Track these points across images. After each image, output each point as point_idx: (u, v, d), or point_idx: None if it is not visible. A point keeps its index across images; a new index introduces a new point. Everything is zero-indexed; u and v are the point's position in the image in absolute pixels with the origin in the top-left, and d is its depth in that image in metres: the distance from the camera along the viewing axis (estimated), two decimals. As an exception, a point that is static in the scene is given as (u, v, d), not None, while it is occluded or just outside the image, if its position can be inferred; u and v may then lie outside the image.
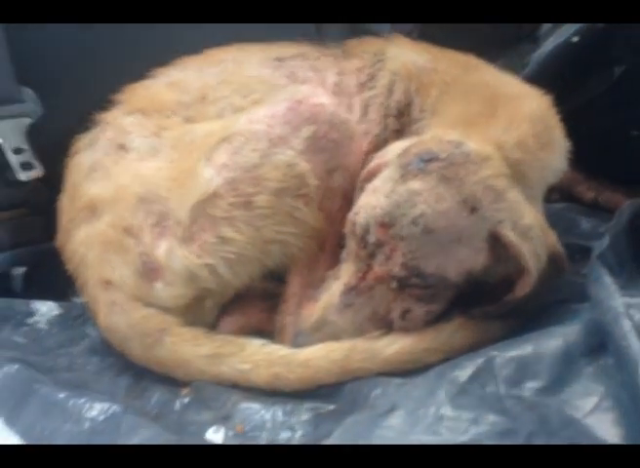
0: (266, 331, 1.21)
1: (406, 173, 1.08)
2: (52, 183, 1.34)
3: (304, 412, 1.04)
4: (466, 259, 1.07)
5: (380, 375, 1.06)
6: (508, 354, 0.99)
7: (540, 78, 1.41)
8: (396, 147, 1.17)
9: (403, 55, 1.39)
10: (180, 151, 1.23)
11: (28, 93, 1.42)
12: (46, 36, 1.43)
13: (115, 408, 1.04)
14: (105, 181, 1.23)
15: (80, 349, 1.26)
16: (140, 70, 1.39)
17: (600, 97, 1.50)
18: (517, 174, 1.14)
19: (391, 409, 0.96)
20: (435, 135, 1.15)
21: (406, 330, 1.10)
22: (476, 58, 1.39)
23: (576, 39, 1.48)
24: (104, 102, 1.34)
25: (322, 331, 1.11)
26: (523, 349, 1.00)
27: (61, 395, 1.06)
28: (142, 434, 0.99)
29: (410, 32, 1.69)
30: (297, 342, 1.13)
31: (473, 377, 0.97)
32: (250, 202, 1.17)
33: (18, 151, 1.38)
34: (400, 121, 1.34)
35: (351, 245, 1.14)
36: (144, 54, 1.45)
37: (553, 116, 1.28)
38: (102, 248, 1.20)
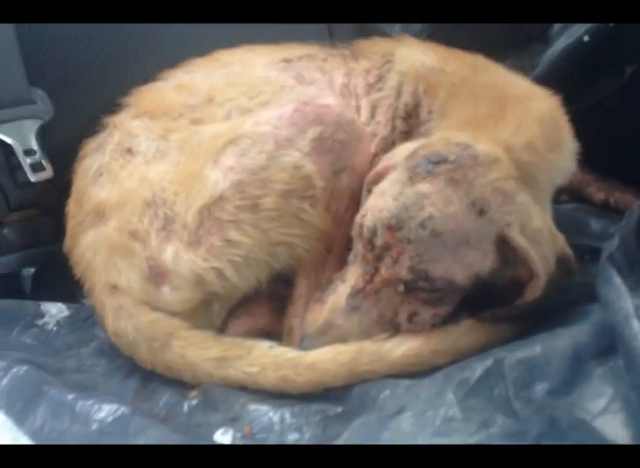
0: (274, 334, 1.21)
1: (414, 175, 1.08)
2: (62, 185, 1.34)
3: (312, 415, 1.04)
4: (474, 263, 1.06)
5: (388, 377, 1.06)
6: (517, 356, 0.98)
7: (550, 78, 1.40)
8: (404, 149, 1.17)
9: (411, 56, 1.38)
10: (187, 154, 1.23)
11: (39, 94, 1.42)
12: (57, 38, 1.44)
13: (123, 409, 1.04)
14: (112, 185, 1.24)
15: (89, 351, 1.27)
16: (149, 72, 1.40)
17: (611, 98, 1.49)
18: (526, 176, 1.13)
19: (400, 411, 0.96)
20: (443, 136, 1.15)
21: (413, 333, 1.10)
22: (485, 59, 1.38)
23: (587, 39, 1.47)
24: (115, 105, 1.35)
25: (328, 335, 1.11)
26: (532, 351, 0.99)
27: (70, 396, 1.06)
28: (151, 435, 0.99)
29: (419, 32, 1.68)
30: (303, 346, 1.12)
31: (482, 379, 0.97)
32: (256, 204, 1.17)
33: (28, 153, 1.39)
34: (408, 122, 1.33)
35: (358, 247, 1.13)
36: (155, 56, 1.46)
37: (562, 117, 1.27)
38: (109, 252, 1.20)
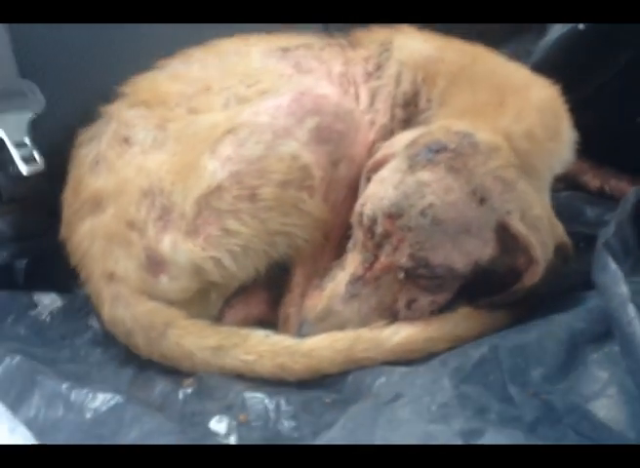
0: (270, 323, 1.21)
1: (414, 163, 1.08)
2: (54, 177, 1.33)
3: (308, 402, 1.04)
4: (474, 250, 1.07)
5: (383, 365, 1.06)
6: (513, 342, 0.99)
7: (546, 67, 1.40)
8: (404, 138, 1.17)
9: (410, 44, 1.38)
10: (184, 144, 1.23)
11: (31, 86, 1.41)
12: (48, 29, 1.43)
13: (118, 398, 1.04)
14: (109, 174, 1.23)
15: (83, 341, 1.26)
16: (144, 62, 1.39)
17: (606, 86, 1.49)
18: (525, 164, 1.13)
19: (395, 398, 0.96)
20: (443, 125, 1.15)
21: (411, 319, 1.10)
22: (483, 48, 1.38)
23: (582, 27, 1.47)
24: (108, 95, 1.34)
25: (327, 321, 1.11)
26: (528, 337, 1.00)
27: (64, 386, 1.06)
28: (146, 424, 0.99)
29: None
30: (301, 332, 1.13)
31: (478, 365, 0.97)
32: (254, 194, 1.17)
33: (20, 145, 1.38)
34: (407, 111, 1.33)
35: (358, 235, 1.13)
36: (148, 46, 1.44)
37: (561, 106, 1.28)
38: (106, 241, 1.19)
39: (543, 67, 1.37)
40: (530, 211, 1.08)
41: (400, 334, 1.08)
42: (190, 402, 1.08)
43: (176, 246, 1.16)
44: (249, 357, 1.11)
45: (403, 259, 1.06)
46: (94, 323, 1.27)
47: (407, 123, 1.32)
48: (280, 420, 1.01)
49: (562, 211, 1.21)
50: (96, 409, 1.02)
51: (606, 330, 0.95)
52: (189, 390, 1.10)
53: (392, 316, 1.11)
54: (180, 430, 0.99)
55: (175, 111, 1.28)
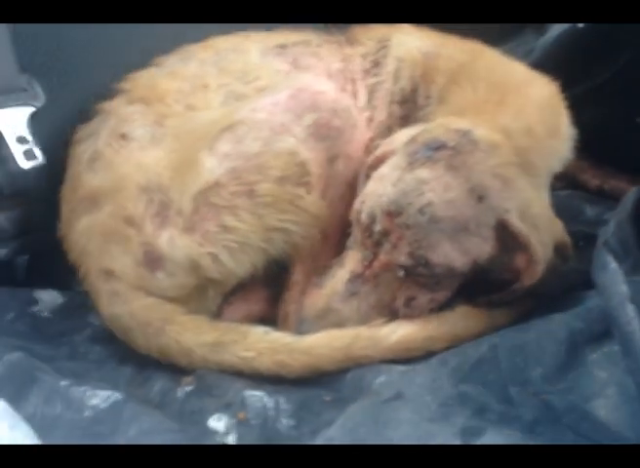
0: (269, 320, 1.21)
1: (413, 161, 1.08)
2: (54, 172, 1.33)
3: (307, 400, 1.04)
4: (473, 248, 1.07)
5: (383, 363, 1.06)
6: (512, 341, 0.99)
7: (545, 65, 1.39)
8: (403, 135, 1.17)
9: (408, 41, 1.38)
10: (182, 140, 1.23)
11: (30, 81, 1.41)
12: (49, 24, 1.42)
13: (117, 396, 1.04)
14: (106, 171, 1.23)
15: (82, 338, 1.26)
16: (144, 59, 1.39)
17: (606, 85, 1.49)
18: (525, 162, 1.13)
19: (395, 397, 0.96)
20: (443, 122, 1.15)
21: (410, 317, 1.10)
22: (482, 45, 1.38)
23: (581, 25, 1.46)
24: (108, 91, 1.34)
25: (326, 319, 1.11)
26: (527, 336, 1.00)
27: (63, 383, 1.06)
28: (144, 422, 0.99)
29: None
30: (301, 330, 1.13)
31: (477, 365, 0.97)
32: (252, 190, 1.17)
33: (20, 140, 1.37)
34: (404, 108, 1.33)
35: (357, 233, 1.13)
36: (149, 42, 1.44)
37: (560, 103, 1.27)
38: (103, 238, 1.19)
39: (543, 65, 1.37)
40: (529, 209, 1.08)
41: (398, 333, 1.08)
42: (189, 400, 1.08)
43: (173, 242, 1.16)
44: (248, 354, 1.11)
45: (402, 257, 1.06)
46: (93, 320, 1.27)
47: (405, 120, 1.32)
48: (279, 419, 1.01)
49: (561, 210, 1.21)
50: (95, 406, 1.03)
51: (605, 329, 0.95)
52: (188, 388, 1.10)
53: (391, 314, 1.11)
54: (178, 428, 0.99)
55: (172, 108, 1.28)
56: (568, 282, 1.15)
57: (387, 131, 1.29)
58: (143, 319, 1.16)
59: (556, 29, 1.51)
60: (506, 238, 1.07)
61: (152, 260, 1.17)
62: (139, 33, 1.43)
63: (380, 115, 1.33)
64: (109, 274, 1.19)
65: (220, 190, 1.17)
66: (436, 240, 1.05)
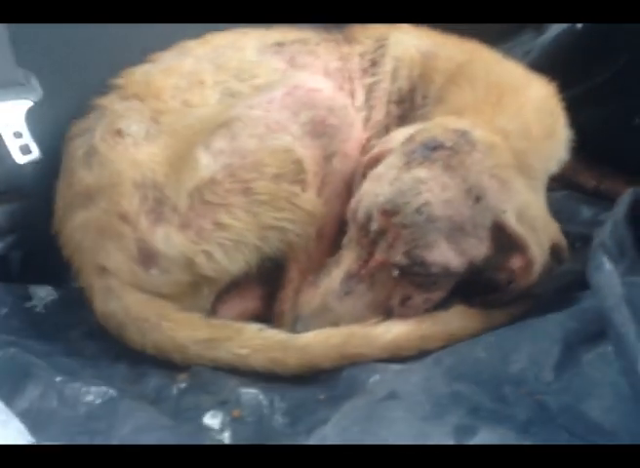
0: (263, 318, 1.21)
1: (411, 160, 1.08)
2: (50, 168, 1.33)
3: (302, 398, 1.05)
4: (470, 249, 1.07)
5: (377, 362, 1.06)
6: (507, 341, 0.99)
7: (542, 65, 1.40)
8: (400, 134, 1.17)
9: (406, 40, 1.39)
10: (178, 137, 1.22)
11: (27, 75, 1.40)
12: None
13: (112, 392, 1.04)
14: (102, 167, 1.22)
15: (77, 334, 1.26)
16: (140, 55, 1.38)
17: (604, 85, 1.49)
18: (522, 163, 1.14)
19: (389, 396, 0.96)
20: (441, 122, 1.15)
21: (405, 316, 1.10)
22: (480, 45, 1.38)
23: (579, 26, 1.47)
24: (103, 87, 1.34)
25: (322, 318, 1.12)
26: (522, 336, 1.00)
27: (58, 379, 1.06)
28: (139, 419, 0.99)
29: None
30: (296, 328, 1.13)
31: (471, 364, 0.97)
32: (247, 188, 1.17)
33: (16, 135, 1.37)
34: (402, 107, 1.33)
35: (353, 231, 1.13)
36: (145, 38, 1.44)
37: (557, 105, 1.28)
38: (98, 234, 1.19)
39: (541, 66, 1.37)
40: (526, 210, 1.08)
41: (393, 332, 1.08)
42: (184, 396, 1.08)
43: (168, 239, 1.16)
44: (242, 351, 1.11)
45: (398, 257, 1.06)
46: (88, 316, 1.27)
47: (402, 119, 1.32)
48: (274, 416, 1.01)
49: (558, 210, 1.22)
50: (89, 402, 1.03)
51: (600, 330, 0.95)
52: (183, 385, 1.10)
53: (386, 313, 1.11)
54: (173, 425, 0.99)
55: (168, 104, 1.28)
56: (563, 282, 1.16)
57: (384, 130, 1.29)
58: (138, 315, 1.16)
59: (554, 30, 1.51)
60: (503, 239, 1.07)
61: (147, 257, 1.17)
62: (136, 29, 1.43)
63: (378, 114, 1.33)
64: (103, 270, 1.19)
65: (215, 187, 1.17)
66: (433, 240, 1.05)
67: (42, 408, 1.02)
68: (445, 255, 1.05)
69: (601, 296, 0.95)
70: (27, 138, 1.36)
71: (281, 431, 0.99)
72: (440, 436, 0.86)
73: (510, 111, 1.19)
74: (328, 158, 1.22)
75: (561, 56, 1.51)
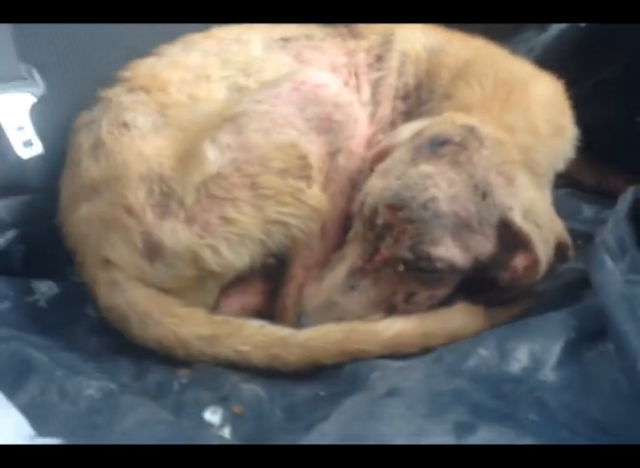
0: (266, 314, 1.21)
1: (418, 155, 1.08)
2: (53, 162, 1.33)
3: (302, 395, 1.05)
4: (475, 245, 1.07)
5: (378, 358, 1.06)
6: (508, 339, 0.99)
7: (545, 63, 1.39)
8: (407, 129, 1.17)
9: (411, 36, 1.38)
10: (184, 130, 1.22)
11: (30, 70, 1.41)
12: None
13: (113, 387, 1.04)
14: (108, 159, 1.22)
15: (79, 329, 1.26)
16: (142, 48, 1.38)
17: (606, 83, 1.49)
18: (529, 160, 1.14)
19: (390, 393, 0.96)
20: (449, 118, 1.15)
21: (409, 313, 1.10)
22: (486, 41, 1.37)
23: (583, 24, 1.46)
24: (107, 80, 1.34)
25: (326, 313, 1.12)
26: (523, 334, 0.99)
27: (59, 373, 1.06)
28: (140, 413, 0.98)
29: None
30: (301, 323, 1.13)
31: (472, 361, 0.97)
32: (253, 182, 1.17)
33: (19, 129, 1.37)
34: (407, 103, 1.33)
35: (358, 226, 1.14)
36: (149, 32, 1.44)
37: (565, 102, 1.28)
38: (103, 226, 1.19)
39: (544, 63, 1.37)
40: (532, 207, 1.08)
41: (394, 328, 1.08)
42: (185, 392, 1.08)
43: (173, 232, 1.16)
44: (243, 347, 1.11)
45: (403, 251, 1.06)
46: (90, 311, 1.27)
47: (407, 115, 1.32)
48: (274, 412, 1.01)
49: (559, 208, 1.22)
50: (90, 397, 1.02)
51: (601, 328, 0.95)
52: (185, 380, 1.10)
53: (391, 309, 1.11)
54: (174, 420, 0.99)
55: (174, 97, 1.28)
56: (565, 280, 1.16)
57: (390, 125, 1.29)
58: (141, 309, 1.16)
59: (557, 28, 1.52)
60: (508, 236, 1.07)
61: (152, 250, 1.17)
62: (140, 24, 1.43)
63: (383, 110, 1.33)
64: (108, 263, 1.19)
65: (221, 181, 1.16)
66: (438, 235, 1.05)
67: (43, 402, 1.02)
68: (450, 251, 1.06)
69: (602, 294, 0.95)
70: (30, 133, 1.36)
71: (281, 427, 0.99)
72: (440, 433, 0.86)
73: (518, 108, 1.19)
74: (333, 154, 1.21)
75: (564, 53, 1.51)
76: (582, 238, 1.24)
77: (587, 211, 1.43)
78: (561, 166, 1.25)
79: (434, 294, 1.11)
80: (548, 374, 0.93)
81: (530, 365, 0.95)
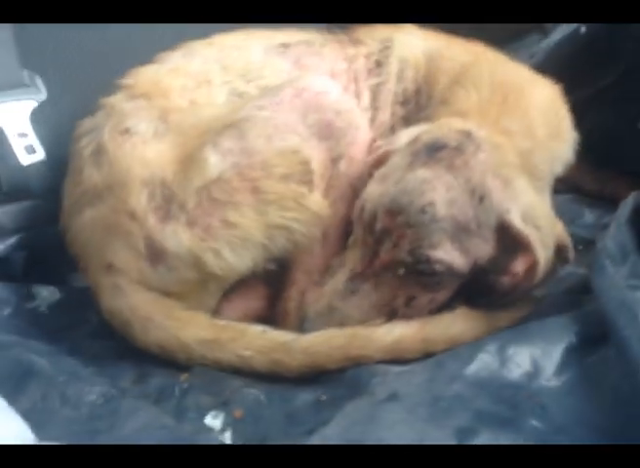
0: (268, 319, 1.21)
1: (415, 160, 1.08)
2: (55, 168, 1.33)
3: (303, 399, 1.04)
4: (474, 248, 1.07)
5: (379, 364, 1.06)
6: (509, 343, 0.99)
7: (547, 68, 1.40)
8: (405, 135, 1.17)
9: (410, 42, 1.39)
10: (186, 135, 1.23)
11: (32, 76, 1.41)
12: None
13: (114, 392, 1.04)
14: (110, 165, 1.22)
15: (80, 334, 1.26)
16: (145, 55, 1.39)
17: (607, 89, 1.49)
18: (527, 163, 1.14)
19: (390, 397, 0.96)
20: (445, 123, 1.16)
21: (410, 316, 1.10)
22: (485, 46, 1.38)
23: (583, 30, 1.47)
24: (109, 86, 1.34)
25: (328, 318, 1.12)
26: (524, 339, 1.00)
27: (61, 379, 1.06)
28: (141, 418, 0.99)
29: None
30: (304, 328, 1.13)
31: (473, 366, 0.97)
32: (255, 187, 1.17)
33: (21, 135, 1.38)
34: (406, 108, 1.33)
35: (358, 231, 1.14)
36: (149, 38, 1.44)
37: (562, 106, 1.28)
38: (105, 231, 1.19)
39: (545, 69, 1.37)
40: (530, 210, 1.09)
41: (395, 333, 1.08)
42: (186, 396, 1.07)
43: (175, 236, 1.16)
44: (246, 352, 1.10)
45: (402, 256, 1.06)
46: (92, 316, 1.27)
47: (406, 120, 1.32)
48: (275, 417, 1.01)
49: (561, 213, 1.22)
50: (92, 402, 1.02)
51: (602, 333, 0.95)
52: (185, 385, 1.10)
53: (391, 313, 1.11)
54: (175, 425, 0.98)
55: (176, 103, 1.29)
56: (566, 285, 1.16)
57: (389, 131, 1.29)
58: (144, 313, 1.16)
59: (559, 33, 1.52)
60: (507, 239, 1.07)
61: (154, 254, 1.17)
62: (141, 29, 1.44)
63: (383, 115, 1.33)
64: (111, 267, 1.19)
65: (223, 185, 1.17)
66: (437, 239, 1.05)
67: (44, 407, 1.02)
68: (449, 254, 1.06)
69: (603, 300, 0.95)
70: (32, 139, 1.37)
71: (282, 431, 0.99)
72: (441, 438, 0.86)
73: (515, 112, 1.19)
74: (334, 161, 1.22)
75: (565, 59, 1.52)
76: (584, 243, 1.25)
77: (589, 216, 1.44)
78: (560, 169, 1.25)
79: (434, 298, 1.11)
80: (549, 380, 0.93)
81: (531, 370, 0.95)
